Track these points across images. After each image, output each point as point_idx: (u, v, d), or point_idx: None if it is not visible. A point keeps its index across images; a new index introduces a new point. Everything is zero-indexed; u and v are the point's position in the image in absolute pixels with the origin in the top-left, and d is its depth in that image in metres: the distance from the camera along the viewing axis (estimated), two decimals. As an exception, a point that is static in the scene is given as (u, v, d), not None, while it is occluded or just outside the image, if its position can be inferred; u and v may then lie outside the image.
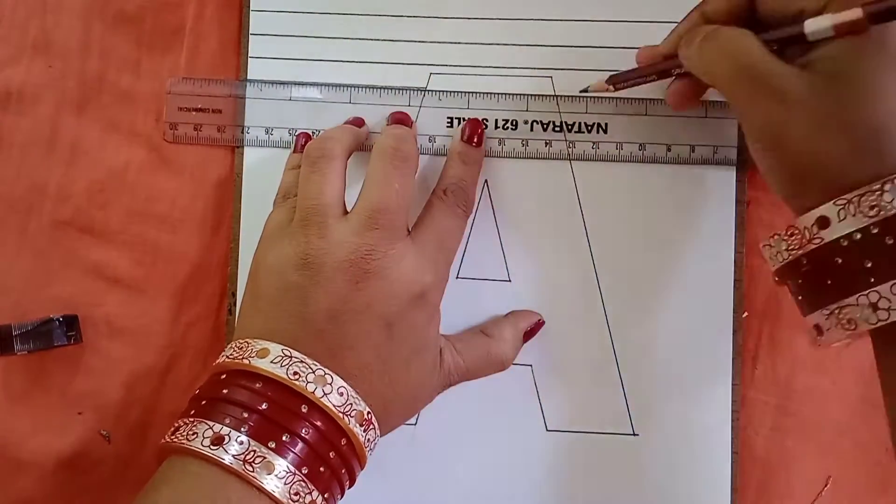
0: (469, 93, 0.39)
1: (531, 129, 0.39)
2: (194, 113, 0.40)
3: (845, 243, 0.28)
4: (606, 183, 0.39)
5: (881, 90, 0.28)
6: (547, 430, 0.39)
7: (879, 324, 0.27)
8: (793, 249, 0.30)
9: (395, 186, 0.33)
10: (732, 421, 0.38)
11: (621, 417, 0.39)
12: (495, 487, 0.39)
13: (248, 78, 0.40)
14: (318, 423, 0.30)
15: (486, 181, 0.39)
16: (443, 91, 0.39)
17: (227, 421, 0.29)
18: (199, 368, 0.40)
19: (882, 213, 0.27)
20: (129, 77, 0.40)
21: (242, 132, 0.40)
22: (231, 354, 0.31)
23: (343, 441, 0.31)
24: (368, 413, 0.31)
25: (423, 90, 0.39)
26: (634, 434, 0.39)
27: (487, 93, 0.39)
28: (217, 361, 0.32)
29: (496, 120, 0.39)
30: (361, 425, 0.31)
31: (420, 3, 0.40)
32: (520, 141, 0.39)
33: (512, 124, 0.39)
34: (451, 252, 0.35)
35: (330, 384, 0.30)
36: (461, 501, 0.39)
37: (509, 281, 0.39)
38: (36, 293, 0.40)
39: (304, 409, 0.30)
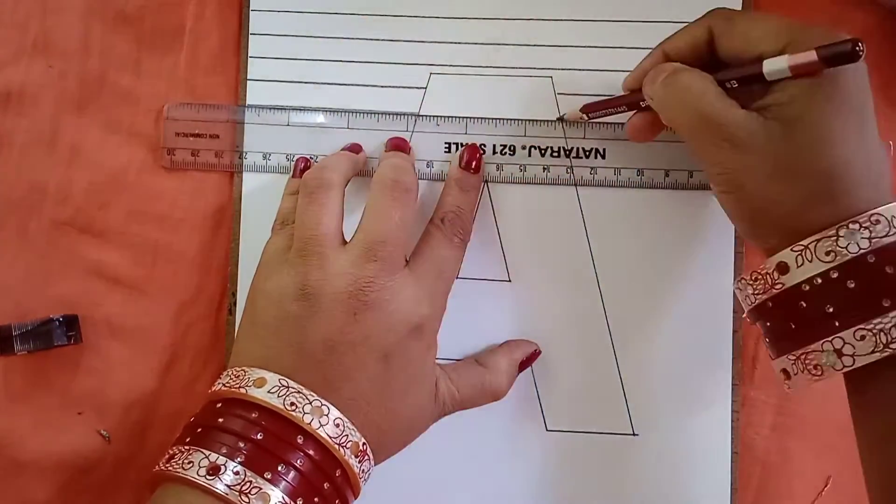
0: (467, 118, 0.39)
1: (529, 155, 0.39)
2: (192, 138, 0.40)
3: (807, 288, 0.28)
4: (606, 194, 0.39)
5: (833, 136, 0.28)
6: (547, 430, 0.39)
7: (844, 370, 0.28)
8: (758, 294, 0.30)
9: (394, 218, 0.33)
10: (732, 421, 0.38)
11: (621, 417, 0.39)
12: (495, 487, 0.39)
13: (249, 77, 0.40)
14: (314, 454, 0.30)
15: (485, 182, 0.39)
16: (440, 116, 0.39)
17: (223, 450, 0.29)
18: (199, 368, 0.40)
19: (838, 258, 0.27)
20: (129, 77, 0.40)
21: (240, 157, 0.40)
22: (228, 383, 0.31)
23: (338, 472, 0.30)
24: (364, 444, 0.31)
25: (420, 115, 0.39)
26: (634, 434, 0.39)
27: (485, 118, 0.39)
28: (213, 388, 0.32)
29: (494, 145, 0.39)
30: (356, 456, 0.31)
31: (420, 3, 0.40)
32: (517, 166, 0.39)
33: (510, 149, 0.39)
34: (449, 282, 0.35)
35: (326, 415, 0.30)
36: (461, 501, 0.39)
37: (509, 281, 0.39)
38: (36, 293, 0.40)
39: (299, 439, 0.30)
